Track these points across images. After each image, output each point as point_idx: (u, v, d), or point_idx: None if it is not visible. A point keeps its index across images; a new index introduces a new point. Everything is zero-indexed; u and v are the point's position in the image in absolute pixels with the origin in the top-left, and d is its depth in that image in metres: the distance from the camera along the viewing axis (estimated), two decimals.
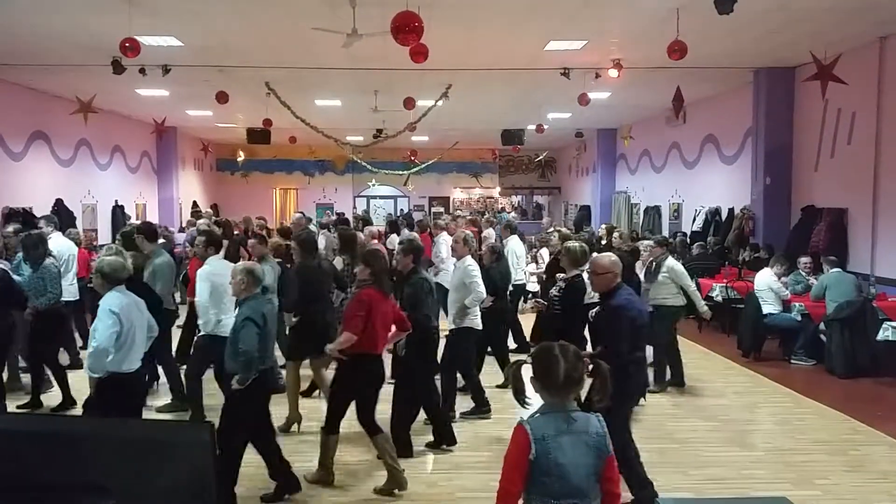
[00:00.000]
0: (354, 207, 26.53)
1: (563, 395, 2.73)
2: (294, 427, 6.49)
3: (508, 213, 24.47)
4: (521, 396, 2.90)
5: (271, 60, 10.89)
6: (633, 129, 18.04)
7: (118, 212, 16.70)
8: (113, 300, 4.67)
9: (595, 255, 5.44)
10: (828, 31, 9.06)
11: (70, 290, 8.14)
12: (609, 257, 5.01)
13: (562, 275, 6.28)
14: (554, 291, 6.22)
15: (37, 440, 1.14)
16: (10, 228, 7.92)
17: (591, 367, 2.88)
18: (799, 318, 9.16)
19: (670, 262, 8.00)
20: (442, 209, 26.00)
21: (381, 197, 27.45)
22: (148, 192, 19.62)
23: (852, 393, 7.82)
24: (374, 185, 26.06)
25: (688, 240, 13.84)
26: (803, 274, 9.77)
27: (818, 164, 10.91)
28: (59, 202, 14.01)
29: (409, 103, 12.81)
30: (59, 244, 8.21)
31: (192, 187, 23.03)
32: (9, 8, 8.20)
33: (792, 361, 9.16)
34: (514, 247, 9.67)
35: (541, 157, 26.29)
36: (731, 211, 13.08)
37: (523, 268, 10.09)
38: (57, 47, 10.08)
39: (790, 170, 11.64)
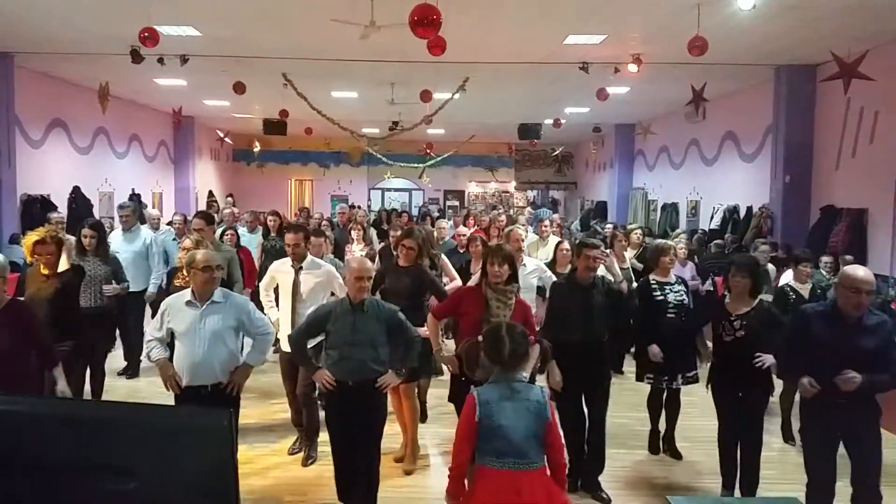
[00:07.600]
0: (369, 200, 26.60)
1: (510, 368, 3.20)
2: None
3: (524, 206, 24.44)
4: (470, 370, 3.43)
5: (289, 51, 10.91)
6: (652, 124, 17.92)
7: (135, 200, 16.82)
8: None
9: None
10: (850, 28, 8.92)
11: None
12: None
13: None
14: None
15: (62, 423, 1.16)
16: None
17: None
18: None
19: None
20: (457, 203, 26.05)
21: (396, 189, 27.48)
22: (164, 182, 19.74)
23: None
24: (389, 177, 26.13)
25: (705, 237, 13.74)
26: (824, 273, 9.66)
27: (839, 163, 10.78)
28: (76, 190, 14.12)
29: (425, 96, 12.79)
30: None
31: (208, 177, 23.14)
32: None
33: None
34: None
35: (557, 152, 26.18)
36: (749, 209, 12.97)
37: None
38: (76, 36, 10.15)
39: (810, 168, 11.51)
